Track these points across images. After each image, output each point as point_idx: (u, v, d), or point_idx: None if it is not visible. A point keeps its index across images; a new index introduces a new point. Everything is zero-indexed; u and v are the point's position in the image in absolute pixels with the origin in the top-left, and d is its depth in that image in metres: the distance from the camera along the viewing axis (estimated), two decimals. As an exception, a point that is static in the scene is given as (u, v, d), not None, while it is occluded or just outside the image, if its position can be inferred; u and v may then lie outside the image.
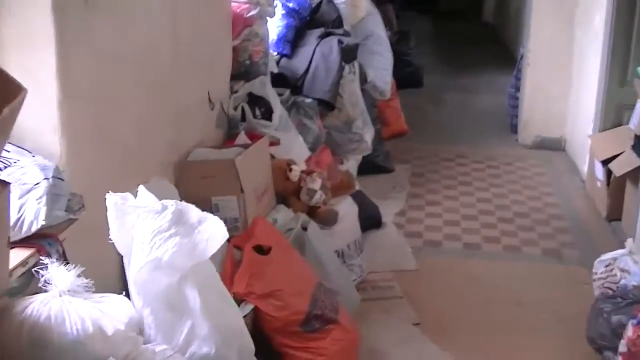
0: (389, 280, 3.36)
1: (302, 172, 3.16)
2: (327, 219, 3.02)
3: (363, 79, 4.73)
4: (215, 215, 2.70)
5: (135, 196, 2.49)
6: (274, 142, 3.28)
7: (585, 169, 4.54)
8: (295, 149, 3.32)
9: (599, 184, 4.10)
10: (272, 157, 3.12)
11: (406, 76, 6.85)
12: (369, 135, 4.35)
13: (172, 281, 1.75)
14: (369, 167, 4.69)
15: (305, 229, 2.85)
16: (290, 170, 3.01)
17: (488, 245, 3.76)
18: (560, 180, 4.72)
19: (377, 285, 3.30)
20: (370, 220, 3.91)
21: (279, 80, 4.12)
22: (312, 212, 3.10)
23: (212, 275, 1.86)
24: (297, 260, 2.61)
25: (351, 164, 4.39)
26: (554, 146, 5.37)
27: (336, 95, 4.15)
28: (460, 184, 4.68)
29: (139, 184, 2.41)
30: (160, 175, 2.58)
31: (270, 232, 2.63)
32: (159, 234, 1.73)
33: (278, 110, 3.35)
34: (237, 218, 2.72)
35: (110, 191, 1.79)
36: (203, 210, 2.78)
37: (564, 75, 5.19)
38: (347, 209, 3.18)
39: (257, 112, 3.40)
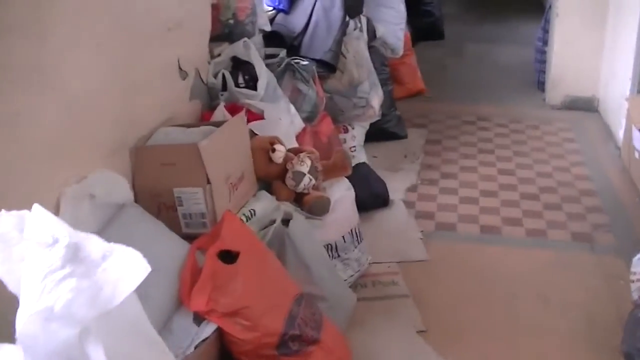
0: (393, 273, 2.87)
1: (288, 151, 2.64)
2: (317, 208, 2.52)
3: (371, 35, 4.17)
4: (179, 209, 2.30)
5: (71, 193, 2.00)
6: (259, 116, 2.75)
7: (621, 134, 3.96)
8: (285, 121, 2.79)
9: (637, 154, 3.53)
10: (253, 134, 2.58)
11: (426, 28, 6.28)
12: (376, 99, 3.81)
13: (70, 336, 1.26)
14: (378, 134, 4.17)
15: (287, 222, 2.34)
16: (273, 150, 2.49)
17: (509, 228, 3.25)
18: (592, 147, 4.15)
19: (378, 281, 2.81)
20: (375, 198, 3.41)
21: (273, 39, 3.58)
22: (299, 199, 2.59)
23: (132, 322, 1.37)
24: (272, 269, 2.13)
25: (357, 132, 3.87)
26: (586, 107, 4.78)
27: (338, 55, 3.61)
28: (480, 152, 4.14)
29: (73, 179, 1.94)
30: (106, 164, 2.09)
31: (241, 232, 2.14)
32: (50, 274, 1.24)
33: (264, 77, 2.83)
34: (203, 213, 2.24)
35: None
36: (167, 203, 2.35)
37: (597, 28, 4.56)
38: (341, 195, 2.67)
39: (241, 80, 2.85)
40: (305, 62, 3.36)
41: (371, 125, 4.03)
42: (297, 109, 3.18)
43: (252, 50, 2.89)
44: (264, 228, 2.40)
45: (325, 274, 2.41)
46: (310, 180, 2.59)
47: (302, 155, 2.60)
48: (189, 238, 2.23)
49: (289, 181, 2.56)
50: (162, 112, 2.47)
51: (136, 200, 2.26)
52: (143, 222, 2.13)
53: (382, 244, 3.08)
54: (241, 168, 2.42)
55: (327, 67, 3.63)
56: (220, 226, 2.15)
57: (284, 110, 2.96)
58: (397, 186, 3.68)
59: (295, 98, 3.24)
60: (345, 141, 3.83)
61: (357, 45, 3.81)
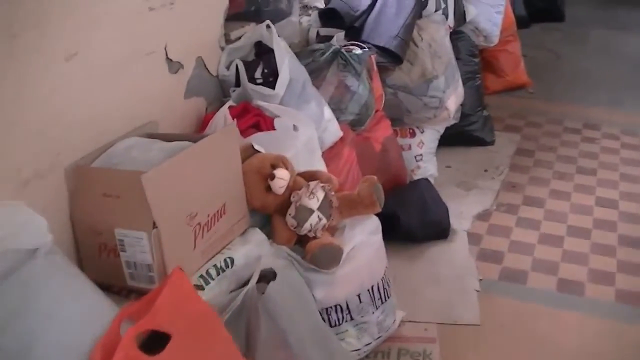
0: (428, 340, 2.19)
1: (301, 175, 1.96)
2: (322, 260, 1.86)
3: (459, 19, 3.34)
4: (122, 255, 1.67)
5: None
6: (269, 124, 2.08)
7: None
8: (306, 133, 2.09)
9: None
10: (254, 150, 1.91)
11: (542, 7, 5.31)
12: (453, 99, 3.03)
13: None
14: (457, 137, 3.44)
15: (266, 281, 1.67)
16: (272, 177, 1.80)
17: (596, 287, 2.48)
18: None
19: (406, 349, 2.14)
20: (430, 227, 2.67)
21: (332, 18, 2.86)
22: (303, 242, 1.90)
23: None
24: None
25: (427, 137, 3.11)
26: None
27: (407, 43, 2.88)
28: (579, 171, 3.32)
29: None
30: (21, 193, 1.48)
31: (185, 302, 1.47)
32: None
33: (285, 72, 2.15)
34: (149, 265, 1.59)
35: None
36: (108, 245, 1.72)
37: None
38: (363, 240, 1.96)
39: (258, 74, 2.16)
40: (359, 51, 2.61)
41: (450, 126, 3.23)
42: (341, 110, 2.49)
43: (274, 35, 2.20)
44: (243, 286, 1.73)
45: (318, 355, 1.72)
46: (320, 219, 1.90)
47: (313, 184, 1.91)
48: (137, 293, 1.62)
49: (290, 220, 1.88)
50: (134, 114, 1.83)
51: (75, 237, 1.66)
52: (57, 276, 1.53)
53: (425, 294, 2.38)
54: (222, 199, 1.78)
55: (393, 57, 2.87)
56: (159, 291, 1.50)
57: (314, 116, 2.26)
58: (464, 210, 2.93)
59: (340, 96, 2.54)
60: (409, 147, 3.09)
61: (435, 31, 3.04)
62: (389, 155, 2.83)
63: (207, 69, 2.19)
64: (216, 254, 1.81)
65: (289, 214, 1.90)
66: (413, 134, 3.15)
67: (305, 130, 2.14)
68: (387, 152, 2.82)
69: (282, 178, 1.88)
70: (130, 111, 1.85)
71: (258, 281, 1.77)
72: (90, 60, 1.68)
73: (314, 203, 1.93)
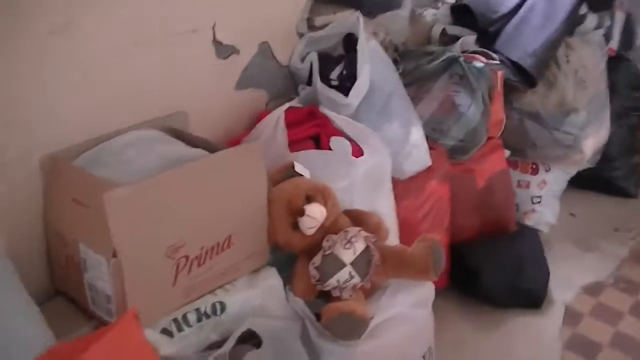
0: None
1: (348, 214, 1.58)
2: (338, 329, 1.48)
3: (626, 42, 2.72)
4: (85, 275, 1.36)
5: None
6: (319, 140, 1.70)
7: None
8: (372, 159, 1.67)
9: None
10: (295, 172, 1.52)
11: None
12: (592, 141, 2.47)
13: None
14: (593, 181, 2.88)
15: (253, 344, 1.31)
16: (302, 213, 1.41)
17: None
18: None
19: None
20: (520, 294, 2.20)
21: (465, 16, 2.38)
22: (329, 297, 1.51)
23: None
24: None
25: (552, 177, 2.58)
26: None
27: (546, 63, 2.36)
28: None
29: None
30: None
31: (125, 357, 1.13)
32: None
33: (364, 78, 1.75)
34: (109, 296, 1.26)
35: None
36: (74, 258, 1.41)
37: None
38: (402, 313, 1.53)
39: (335, 74, 1.76)
40: (480, 64, 2.13)
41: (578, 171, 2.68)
42: (442, 133, 2.08)
43: (361, 30, 1.77)
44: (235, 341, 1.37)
45: None
46: (351, 277, 1.50)
47: (353, 231, 1.51)
48: (98, 320, 1.37)
49: (312, 270, 1.49)
50: (154, 102, 1.49)
51: (46, 236, 1.35)
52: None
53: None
54: (227, 229, 1.44)
55: (525, 77, 2.34)
56: (98, 336, 1.16)
57: (394, 138, 1.83)
58: (573, 277, 2.39)
59: (444, 115, 2.10)
60: (527, 186, 2.57)
61: (587, 55, 2.47)
62: (495, 195, 2.34)
63: (274, 57, 1.80)
64: (206, 293, 1.44)
65: (313, 263, 1.51)
66: (535, 171, 2.62)
67: (370, 156, 1.70)
68: (492, 191, 2.33)
69: (313, 217, 1.48)
70: (150, 97, 1.50)
71: (243, 342, 1.39)
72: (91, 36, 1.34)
73: (348, 255, 1.52)
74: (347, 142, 1.68)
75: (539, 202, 2.62)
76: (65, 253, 1.40)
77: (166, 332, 1.37)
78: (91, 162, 1.43)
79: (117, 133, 1.49)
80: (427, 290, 1.64)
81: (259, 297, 1.50)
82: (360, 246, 1.54)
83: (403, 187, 1.99)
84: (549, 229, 2.65)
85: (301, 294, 1.54)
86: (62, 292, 1.49)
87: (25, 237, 1.40)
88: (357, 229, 1.54)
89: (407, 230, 1.96)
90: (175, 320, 1.38)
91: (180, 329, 1.39)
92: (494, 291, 2.18)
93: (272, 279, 1.54)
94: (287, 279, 1.58)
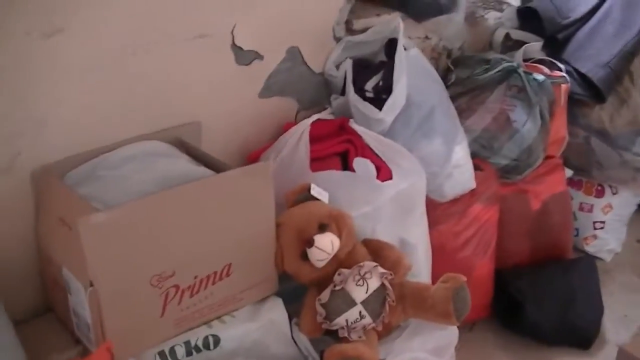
0: None
1: (367, 245, 1.45)
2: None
3: None
4: (69, 298, 1.27)
5: None
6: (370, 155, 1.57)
7: None
8: (402, 183, 1.53)
9: None
10: (310, 195, 1.40)
11: None
12: (668, 165, 2.23)
13: None
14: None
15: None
16: (311, 244, 1.29)
17: None
18: None
19: None
20: (569, 331, 2.00)
21: (530, 21, 2.18)
22: (338, 336, 1.38)
23: None
24: None
25: (619, 201, 2.36)
26: None
27: (619, 76, 2.11)
28: None
29: None
30: None
31: None
32: None
33: (400, 92, 1.59)
34: (88, 324, 1.17)
35: None
36: (59, 282, 1.32)
37: None
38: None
39: (370, 85, 1.62)
40: (541, 77, 1.94)
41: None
42: (493, 150, 1.92)
43: (399, 37, 1.61)
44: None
45: None
46: (361, 318, 1.37)
47: (368, 266, 1.38)
48: (84, 348, 1.29)
49: (319, 307, 1.36)
50: (165, 111, 1.39)
51: (38, 251, 1.30)
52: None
53: None
54: (226, 257, 1.34)
55: (594, 91, 2.13)
56: None
57: (434, 157, 1.69)
58: (631, 315, 2.16)
59: (497, 131, 1.95)
60: (590, 209, 2.36)
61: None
62: (551, 220, 2.15)
63: (305, 63, 1.66)
64: (201, 325, 1.33)
65: (319, 300, 1.37)
66: (601, 193, 2.40)
67: (399, 180, 1.55)
68: (548, 215, 2.14)
69: (322, 249, 1.35)
70: (159, 105, 1.39)
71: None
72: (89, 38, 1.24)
73: (360, 293, 1.40)
74: (372, 165, 1.54)
75: (602, 228, 2.41)
76: (53, 272, 1.32)
77: (150, 367, 1.27)
78: (87, 175, 1.34)
79: (123, 144, 1.39)
80: (449, 335, 1.50)
81: (258, 332, 1.39)
82: (374, 283, 1.41)
83: (443, 211, 1.84)
84: (612, 257, 2.43)
85: (307, 330, 1.43)
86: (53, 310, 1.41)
87: (19, 250, 1.32)
88: (373, 264, 1.40)
89: (445, 257, 1.82)
90: (161, 353, 1.29)
91: (166, 364, 1.28)
92: (539, 325, 1.99)
93: (275, 312, 1.43)
94: (296, 311, 1.45)
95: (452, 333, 1.50)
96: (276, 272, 1.43)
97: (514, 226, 2.07)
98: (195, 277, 1.29)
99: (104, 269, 1.16)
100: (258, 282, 1.41)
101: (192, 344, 1.32)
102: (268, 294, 1.45)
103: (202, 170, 1.37)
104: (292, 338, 1.43)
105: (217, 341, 1.34)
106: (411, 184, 1.60)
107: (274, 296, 1.45)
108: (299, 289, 1.46)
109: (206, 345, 1.33)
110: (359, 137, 1.65)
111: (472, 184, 1.84)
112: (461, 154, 1.79)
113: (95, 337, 1.23)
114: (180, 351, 1.30)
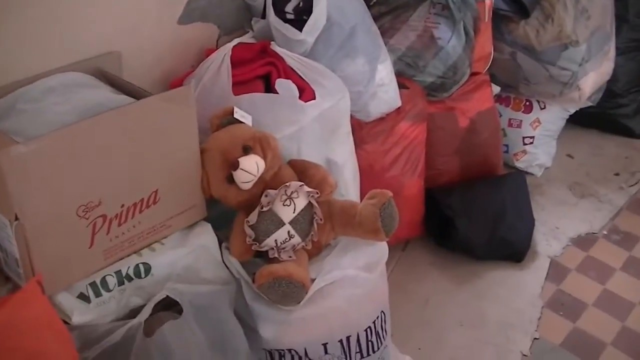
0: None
1: (293, 165, 1.59)
2: (272, 294, 1.43)
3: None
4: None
5: None
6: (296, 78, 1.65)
7: None
8: (325, 103, 1.62)
9: None
10: (233, 119, 1.48)
11: None
12: (593, 78, 2.41)
13: None
14: (596, 119, 2.83)
15: (178, 310, 1.30)
16: (235, 166, 1.37)
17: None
18: None
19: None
20: (500, 246, 2.16)
21: None
22: (267, 257, 1.48)
23: None
24: None
25: (548, 116, 2.51)
26: None
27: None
28: None
29: None
30: None
31: (28, 329, 1.14)
32: None
33: (320, 11, 1.69)
34: (17, 259, 1.24)
35: None
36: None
37: None
38: (349, 277, 1.53)
39: (291, 6, 1.70)
40: (464, -7, 2.05)
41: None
42: (418, 69, 2.04)
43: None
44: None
45: None
46: (290, 237, 1.48)
47: (294, 186, 1.47)
48: (15, 285, 1.36)
49: (247, 229, 1.46)
50: (80, 43, 1.43)
51: None
52: None
53: (449, 339, 1.90)
54: (152, 183, 1.42)
55: (518, 6, 2.25)
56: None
57: (357, 77, 1.78)
58: (562, 227, 2.34)
59: (421, 49, 2.07)
60: (519, 125, 2.51)
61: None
62: (479, 136, 2.29)
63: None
64: (131, 254, 1.41)
65: (248, 221, 1.47)
66: (529, 109, 2.55)
67: (323, 100, 1.64)
68: (476, 132, 2.28)
69: (247, 171, 1.44)
70: (77, 36, 1.44)
71: (166, 308, 1.38)
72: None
73: (286, 212, 1.50)
74: (294, 86, 1.62)
75: (531, 143, 2.56)
76: (-23, 207, 1.36)
77: (83, 297, 1.35)
78: (6, 109, 1.39)
79: (42, 76, 1.44)
80: (379, 250, 1.61)
81: (189, 257, 1.47)
82: (301, 203, 1.50)
83: (369, 130, 1.96)
84: (543, 172, 2.59)
85: (237, 253, 1.52)
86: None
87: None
88: (299, 183, 1.50)
89: (373, 177, 1.96)
90: (92, 284, 1.36)
91: (98, 294, 1.37)
92: (471, 241, 2.16)
93: (204, 237, 1.51)
94: (226, 236, 1.54)
95: (381, 249, 1.62)
96: (203, 198, 1.51)
97: (443, 144, 2.21)
98: (122, 206, 1.37)
99: (28, 201, 1.22)
100: (186, 208, 1.49)
101: (124, 273, 1.40)
102: (197, 220, 1.53)
103: (123, 98, 1.43)
104: (223, 262, 1.52)
105: (148, 269, 1.43)
106: (335, 104, 1.70)
107: (202, 222, 1.54)
108: (228, 214, 1.54)
109: (137, 274, 1.41)
110: (281, 59, 1.73)
111: (398, 103, 1.95)
112: (384, 72, 1.89)
113: (25, 272, 1.30)
114: (112, 281, 1.38)
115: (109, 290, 1.38)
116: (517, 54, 2.38)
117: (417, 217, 2.17)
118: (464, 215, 2.13)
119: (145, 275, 1.42)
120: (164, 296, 1.36)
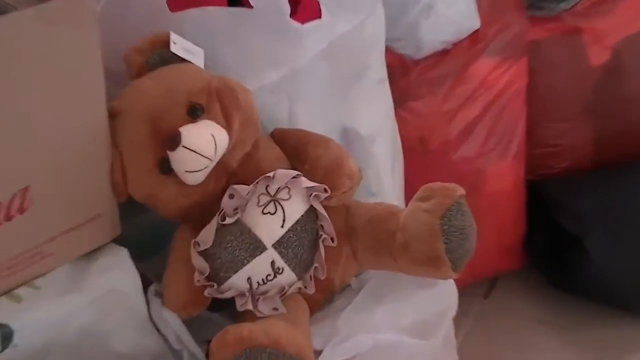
0: None
1: (275, 141, 1.41)
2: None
3: None
4: None
5: None
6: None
7: None
8: (364, 19, 1.53)
9: None
10: (168, 55, 1.35)
11: None
12: None
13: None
14: None
15: None
16: (176, 142, 1.21)
17: None
18: None
19: None
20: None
21: None
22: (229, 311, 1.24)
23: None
24: None
25: None
26: None
27: None
28: None
29: None
30: None
31: None
32: None
33: None
34: None
35: None
36: None
37: None
38: (383, 344, 1.33)
39: None
40: None
41: None
42: None
43: None
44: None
45: None
46: (276, 272, 1.27)
47: (280, 174, 1.25)
48: None
49: (197, 259, 1.23)
50: None
51: None
52: None
53: None
54: (19, 176, 1.19)
55: None
56: None
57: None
58: None
59: None
60: None
61: None
62: (628, 83, 2.03)
63: None
64: None
65: (197, 245, 1.19)
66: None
67: (334, 19, 1.44)
68: (623, 74, 1.99)
69: (196, 151, 1.18)
70: None
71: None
72: None
73: (269, 227, 1.20)
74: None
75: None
76: None
77: None
78: None
79: None
80: (441, 297, 1.31)
81: (87, 313, 1.16)
82: (296, 209, 1.20)
83: (418, 75, 1.72)
84: None
85: (178, 304, 1.22)
86: None
87: None
88: (292, 173, 1.16)
89: (429, 159, 1.77)
90: None
91: None
92: (615, 280, 1.85)
93: (116, 274, 1.21)
94: (157, 272, 1.29)
95: (445, 294, 1.32)
96: (115, 201, 1.23)
97: (560, 98, 1.94)
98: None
99: None
100: (82, 222, 1.18)
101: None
102: (102, 242, 1.24)
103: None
104: (151, 320, 1.25)
105: (7, 335, 1.19)
106: (356, 27, 1.42)
107: (113, 245, 1.26)
108: (161, 230, 1.28)
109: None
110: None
111: (473, 23, 1.72)
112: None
113: None
114: None
115: None
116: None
117: (512, 235, 1.89)
118: (603, 233, 1.79)
119: (3, 348, 1.18)
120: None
